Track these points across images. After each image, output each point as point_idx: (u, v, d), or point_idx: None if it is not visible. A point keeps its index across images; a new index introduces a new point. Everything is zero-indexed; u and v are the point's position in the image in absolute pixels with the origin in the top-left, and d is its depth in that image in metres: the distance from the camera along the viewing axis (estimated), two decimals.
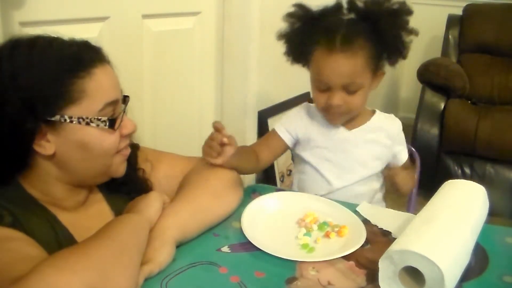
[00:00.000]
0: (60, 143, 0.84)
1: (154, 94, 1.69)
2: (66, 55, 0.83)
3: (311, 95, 1.31)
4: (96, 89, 0.83)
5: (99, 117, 0.84)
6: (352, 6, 1.24)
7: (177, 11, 1.75)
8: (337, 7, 1.25)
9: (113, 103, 0.87)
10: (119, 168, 0.92)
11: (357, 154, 1.32)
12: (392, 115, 1.40)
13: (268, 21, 2.04)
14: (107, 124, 0.85)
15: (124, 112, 0.90)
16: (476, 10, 3.10)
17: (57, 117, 0.82)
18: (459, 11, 3.16)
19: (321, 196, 1.22)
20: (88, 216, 0.93)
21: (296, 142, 1.37)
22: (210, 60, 1.94)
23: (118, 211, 0.95)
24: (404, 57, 1.26)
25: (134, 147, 1.01)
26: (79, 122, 0.82)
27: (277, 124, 1.38)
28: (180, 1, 1.77)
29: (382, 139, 1.34)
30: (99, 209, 0.97)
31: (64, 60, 0.83)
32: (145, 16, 1.59)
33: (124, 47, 1.52)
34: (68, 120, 0.82)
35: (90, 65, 0.84)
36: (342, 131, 1.32)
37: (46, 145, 0.83)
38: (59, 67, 0.82)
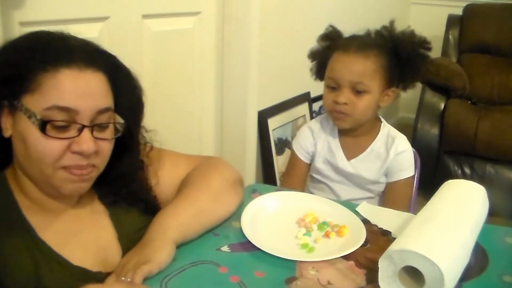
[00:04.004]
0: (14, 129, 0.83)
1: (154, 94, 1.69)
2: (45, 47, 0.82)
3: (323, 101, 1.39)
4: (52, 87, 0.79)
5: (37, 114, 0.79)
6: (378, 33, 1.36)
7: (177, 11, 1.75)
8: (365, 34, 1.38)
9: (67, 110, 0.79)
10: (64, 185, 0.83)
11: (357, 180, 1.39)
12: (398, 137, 1.38)
13: (268, 21, 2.04)
14: (39, 124, 0.78)
15: (92, 130, 0.82)
16: (476, 10, 3.11)
17: (16, 102, 0.81)
18: (459, 11, 3.16)
19: None
20: (78, 219, 0.91)
21: (311, 158, 1.45)
22: (210, 60, 1.94)
23: (119, 222, 0.94)
24: (416, 79, 1.36)
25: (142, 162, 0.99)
26: (24, 113, 0.80)
27: (293, 143, 1.48)
28: (180, 1, 1.77)
29: (378, 166, 1.38)
30: (92, 210, 0.94)
31: (40, 50, 0.82)
32: (145, 16, 1.59)
33: (124, 47, 1.52)
34: (19, 107, 0.80)
35: (60, 64, 0.80)
36: (342, 161, 1.39)
37: (7, 126, 0.83)
38: (30, 54, 0.81)
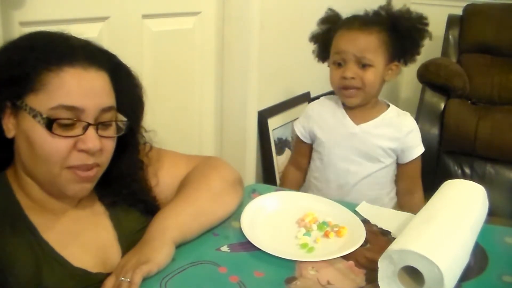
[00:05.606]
0: (17, 129, 0.83)
1: (154, 94, 1.69)
2: (48, 46, 0.82)
3: (330, 81, 1.41)
4: (57, 87, 0.79)
5: (43, 114, 0.79)
6: (376, 13, 1.41)
7: (177, 11, 1.75)
8: (365, 14, 1.42)
9: (73, 109, 0.80)
10: (69, 186, 0.84)
11: (364, 148, 1.38)
12: (407, 114, 1.44)
13: (268, 21, 2.04)
14: (45, 122, 0.79)
15: (97, 128, 0.82)
16: (476, 10, 3.10)
17: (19, 102, 0.81)
18: (459, 11, 3.16)
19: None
20: (79, 220, 0.91)
21: (311, 138, 1.47)
22: (210, 60, 1.94)
23: (119, 223, 0.94)
24: (418, 53, 1.41)
25: (142, 163, 0.99)
26: (29, 113, 0.80)
27: (295, 122, 1.52)
28: (180, 1, 1.77)
29: (390, 134, 1.39)
30: (92, 211, 0.94)
31: (43, 49, 0.82)
32: (145, 16, 1.59)
33: (124, 47, 1.52)
34: (23, 107, 0.80)
35: (64, 63, 0.80)
36: (350, 126, 1.39)
37: (10, 127, 0.83)
38: (33, 54, 0.81)
